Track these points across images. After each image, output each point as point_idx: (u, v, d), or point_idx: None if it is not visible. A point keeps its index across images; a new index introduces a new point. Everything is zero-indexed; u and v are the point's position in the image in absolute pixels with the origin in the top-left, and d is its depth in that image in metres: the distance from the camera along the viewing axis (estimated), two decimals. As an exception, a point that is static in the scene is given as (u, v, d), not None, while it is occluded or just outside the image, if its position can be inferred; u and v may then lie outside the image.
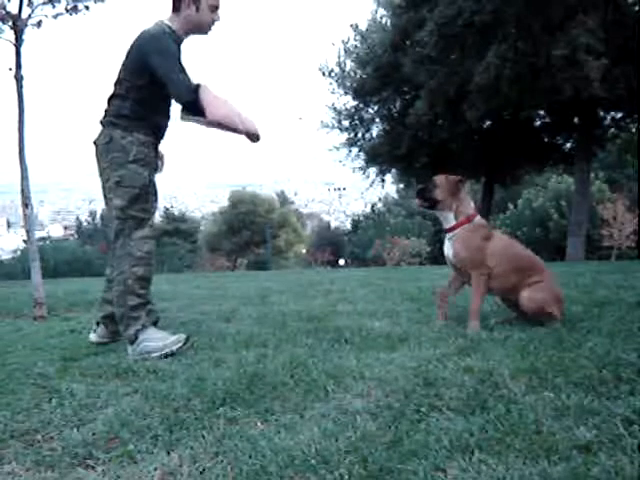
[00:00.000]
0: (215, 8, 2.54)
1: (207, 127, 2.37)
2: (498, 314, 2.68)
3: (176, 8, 2.49)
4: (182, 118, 2.39)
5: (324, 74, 15.71)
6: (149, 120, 2.47)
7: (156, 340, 2.27)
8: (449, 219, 2.54)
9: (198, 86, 2.31)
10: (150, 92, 2.41)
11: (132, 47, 2.41)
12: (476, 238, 2.45)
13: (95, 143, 2.48)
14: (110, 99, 2.48)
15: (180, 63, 2.37)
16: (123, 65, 2.44)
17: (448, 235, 2.56)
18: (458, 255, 2.47)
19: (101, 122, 2.47)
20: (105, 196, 2.49)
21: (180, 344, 2.24)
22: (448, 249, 2.54)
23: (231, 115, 2.32)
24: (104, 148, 2.42)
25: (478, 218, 2.52)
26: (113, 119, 2.42)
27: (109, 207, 2.45)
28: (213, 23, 2.57)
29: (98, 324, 2.65)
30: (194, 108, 2.32)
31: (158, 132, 2.57)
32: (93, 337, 2.65)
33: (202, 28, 2.56)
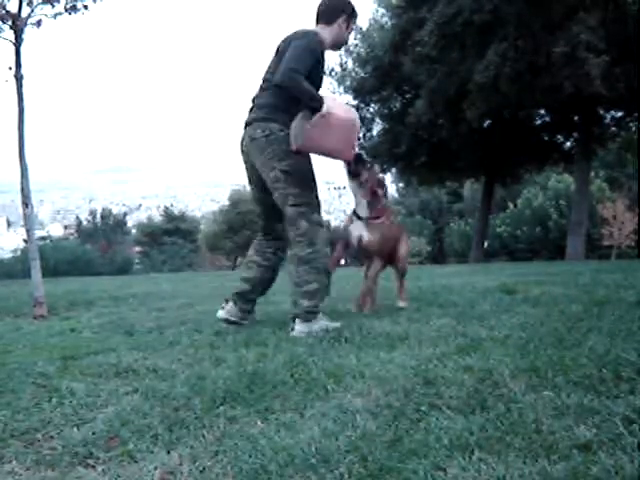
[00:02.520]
0: (351, 31, 2.88)
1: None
2: (496, 315, 2.68)
3: (329, 22, 2.73)
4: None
5: (324, 73, 15.70)
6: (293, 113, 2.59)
7: (325, 320, 2.55)
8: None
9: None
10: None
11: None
12: None
13: (252, 137, 2.61)
14: (258, 96, 2.69)
15: (310, 65, 2.50)
16: (274, 63, 2.63)
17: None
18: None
19: (254, 119, 2.64)
20: (272, 187, 2.62)
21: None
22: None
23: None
24: (265, 141, 2.57)
25: None
26: (269, 114, 2.59)
27: (279, 196, 2.60)
28: (345, 43, 2.94)
29: (227, 301, 2.80)
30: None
31: None
32: (221, 313, 2.79)
33: (339, 45, 2.89)
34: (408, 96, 15.24)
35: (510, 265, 11.40)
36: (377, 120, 16.46)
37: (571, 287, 3.64)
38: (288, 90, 2.47)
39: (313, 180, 2.64)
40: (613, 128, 14.86)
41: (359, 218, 2.94)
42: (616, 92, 10.87)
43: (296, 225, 2.54)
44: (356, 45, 15.38)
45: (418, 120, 13.51)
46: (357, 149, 3.02)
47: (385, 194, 3.03)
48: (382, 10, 14.94)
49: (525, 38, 10.87)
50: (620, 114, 14.17)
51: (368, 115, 16.33)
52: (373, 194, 2.91)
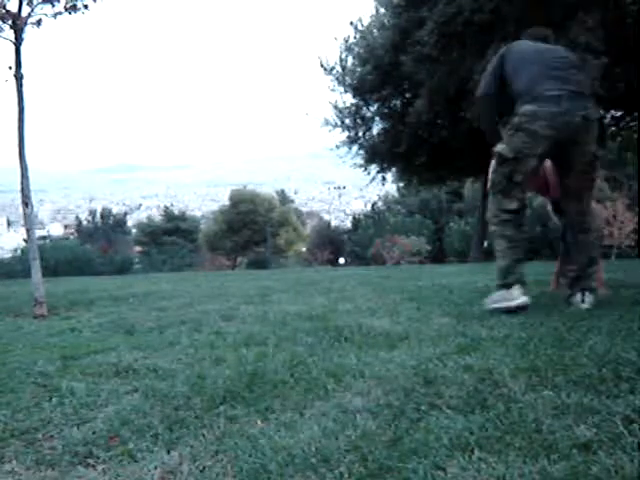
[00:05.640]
0: None
1: None
2: (496, 315, 2.68)
3: None
4: None
5: (325, 70, 15.66)
6: None
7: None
8: None
9: None
10: None
11: None
12: None
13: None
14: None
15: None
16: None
17: None
18: None
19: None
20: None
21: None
22: None
23: None
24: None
25: None
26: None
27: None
28: None
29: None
30: None
31: None
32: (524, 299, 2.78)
33: None
34: (408, 95, 15.21)
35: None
36: (377, 120, 16.45)
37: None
38: None
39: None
40: (613, 128, 14.86)
41: None
42: (616, 92, 10.86)
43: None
44: (356, 44, 15.36)
45: (418, 119, 13.49)
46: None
47: None
48: (382, 9, 14.92)
49: (525, 38, 10.88)
50: (620, 113, 14.17)
51: (368, 114, 16.32)
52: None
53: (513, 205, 2.74)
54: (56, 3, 3.96)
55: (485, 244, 18.30)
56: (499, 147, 2.77)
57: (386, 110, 16.14)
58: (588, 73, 2.82)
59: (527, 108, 2.67)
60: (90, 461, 1.20)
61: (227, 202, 37.12)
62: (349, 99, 15.96)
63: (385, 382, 1.58)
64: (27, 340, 2.76)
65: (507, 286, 2.68)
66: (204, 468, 1.12)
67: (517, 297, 2.64)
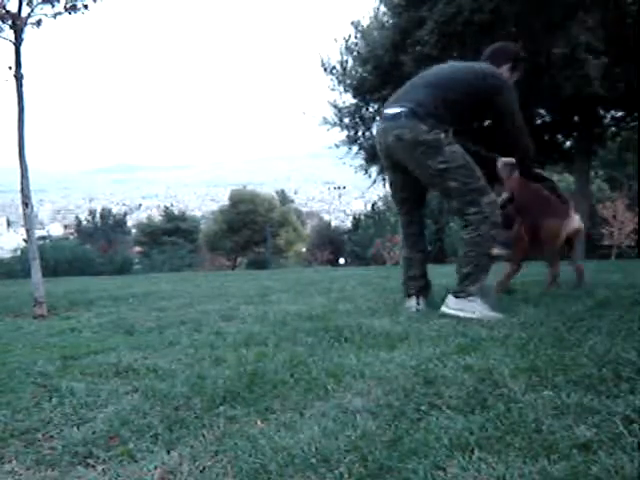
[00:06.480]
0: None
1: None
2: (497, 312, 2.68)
3: (499, 64, 2.93)
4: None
5: (326, 70, 15.65)
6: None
7: (480, 308, 2.59)
8: None
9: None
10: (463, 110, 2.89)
11: (479, 74, 2.82)
12: None
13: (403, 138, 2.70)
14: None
15: None
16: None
17: None
18: None
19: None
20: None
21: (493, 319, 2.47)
22: None
23: None
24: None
25: None
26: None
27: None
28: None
29: (413, 296, 3.02)
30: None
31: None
32: (421, 307, 2.96)
33: None
34: (408, 96, 15.21)
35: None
36: (377, 120, 16.42)
37: (571, 287, 3.63)
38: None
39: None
40: (613, 128, 14.87)
41: None
42: (616, 92, 10.88)
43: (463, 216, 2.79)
44: (356, 44, 15.35)
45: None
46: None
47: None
48: (383, 9, 14.90)
49: (525, 38, 10.88)
50: (620, 114, 14.18)
51: (368, 114, 16.30)
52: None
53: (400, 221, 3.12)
54: (56, 3, 3.96)
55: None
56: None
57: (386, 110, 16.09)
58: (453, 91, 2.82)
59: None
60: (90, 461, 1.20)
61: (227, 202, 37.13)
62: (349, 99, 15.93)
63: (385, 382, 1.58)
64: (27, 340, 2.76)
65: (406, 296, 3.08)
66: (204, 468, 1.12)
67: (410, 306, 2.98)
